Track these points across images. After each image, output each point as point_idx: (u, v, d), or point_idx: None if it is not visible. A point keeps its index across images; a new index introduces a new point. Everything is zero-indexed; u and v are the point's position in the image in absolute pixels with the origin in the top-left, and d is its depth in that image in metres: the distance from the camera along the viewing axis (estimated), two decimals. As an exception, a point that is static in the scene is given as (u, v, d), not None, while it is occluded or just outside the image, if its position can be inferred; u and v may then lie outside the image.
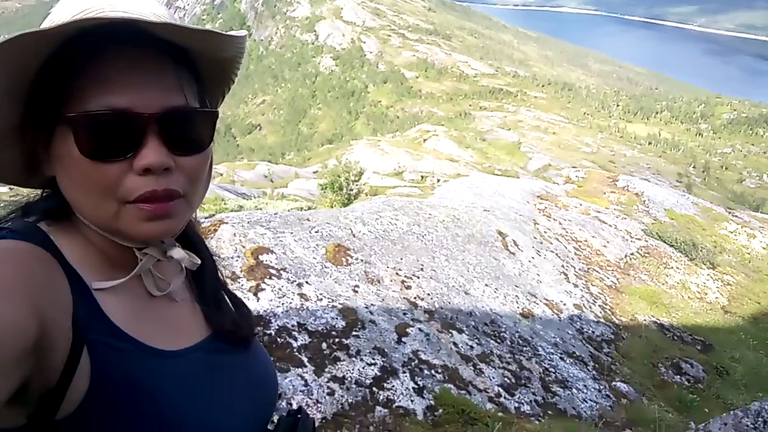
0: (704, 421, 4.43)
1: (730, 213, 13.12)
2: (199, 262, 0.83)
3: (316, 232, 5.10)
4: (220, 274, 0.95)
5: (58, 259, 0.67)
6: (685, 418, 4.67)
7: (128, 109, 0.66)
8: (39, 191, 0.77)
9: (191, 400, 0.74)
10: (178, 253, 0.78)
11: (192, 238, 0.89)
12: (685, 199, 13.55)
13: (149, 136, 0.67)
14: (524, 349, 4.74)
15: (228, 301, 0.95)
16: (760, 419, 3.33)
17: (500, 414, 3.56)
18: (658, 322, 6.68)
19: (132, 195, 0.67)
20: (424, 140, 60.65)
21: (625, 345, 5.82)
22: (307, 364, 3.33)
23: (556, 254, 7.35)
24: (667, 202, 12.21)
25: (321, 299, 4.02)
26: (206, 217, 5.22)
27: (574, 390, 4.39)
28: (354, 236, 5.35)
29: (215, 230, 4.58)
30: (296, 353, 3.37)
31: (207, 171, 0.78)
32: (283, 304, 3.75)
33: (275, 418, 1.00)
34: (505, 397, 3.88)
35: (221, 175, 30.10)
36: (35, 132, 0.70)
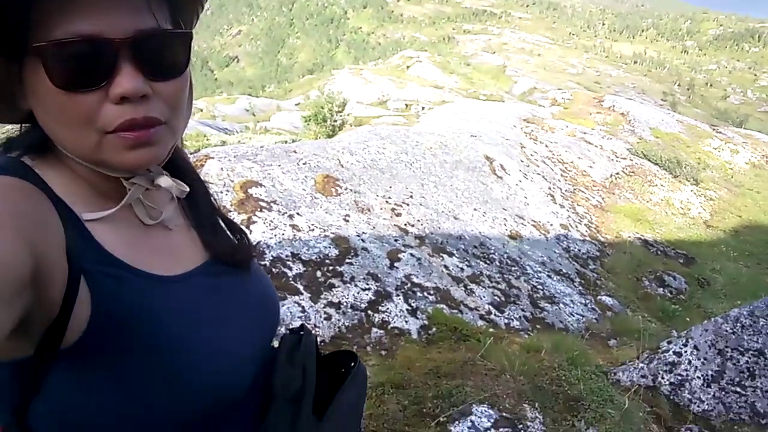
0: (686, 329, 4.65)
1: (713, 129, 13.19)
2: (188, 189, 0.82)
3: (303, 163, 5.09)
4: (213, 200, 0.95)
5: (46, 193, 0.66)
6: (668, 327, 4.89)
7: (97, 35, 0.63)
8: (19, 126, 0.75)
9: (194, 324, 0.74)
10: (165, 181, 0.77)
11: (180, 166, 0.87)
12: (670, 117, 13.57)
13: (122, 63, 0.64)
14: (513, 268, 4.87)
15: (224, 226, 0.94)
16: (738, 324, 3.50)
17: (491, 330, 3.70)
18: (642, 238, 6.85)
19: (111, 125, 0.65)
20: (408, 67, 59.40)
21: (610, 261, 6.00)
22: (303, 291, 3.41)
23: (543, 176, 7.41)
24: (652, 120, 12.22)
25: (313, 229, 4.06)
26: (191, 153, 5.16)
27: (561, 305, 4.55)
28: (342, 166, 5.35)
29: (201, 166, 4.55)
30: (292, 282, 3.44)
31: (187, 96, 0.76)
32: (275, 235, 3.79)
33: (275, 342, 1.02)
34: (495, 314, 4.02)
35: (201, 110, 29.47)
36: (6, 64, 0.67)
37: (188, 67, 0.74)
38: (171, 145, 0.75)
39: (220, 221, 0.94)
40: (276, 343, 1.02)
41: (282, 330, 3.03)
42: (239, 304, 0.85)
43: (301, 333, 0.98)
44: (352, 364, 1.01)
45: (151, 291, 0.71)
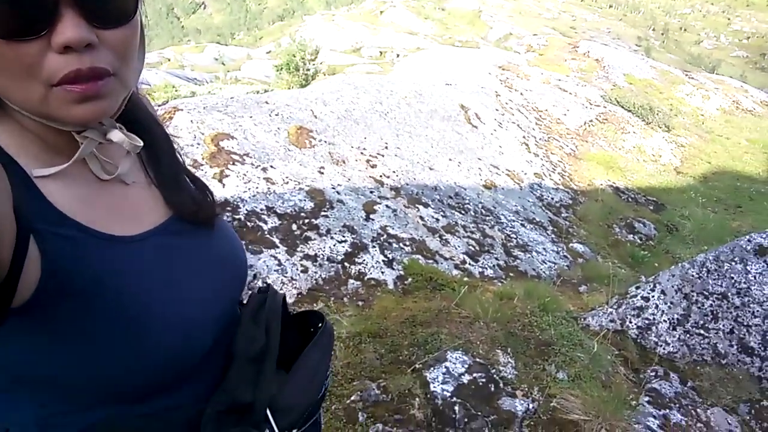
0: (654, 274, 4.79)
1: (686, 75, 13.26)
2: (141, 144, 0.77)
3: (276, 114, 4.99)
4: (178, 155, 0.91)
5: None
6: (637, 273, 5.04)
7: None
8: None
9: (150, 287, 0.72)
10: (117, 135, 0.74)
11: (139, 118, 0.84)
12: (643, 63, 13.58)
13: (64, 9, 0.60)
14: (487, 218, 4.92)
15: (189, 182, 0.91)
16: (704, 269, 3.62)
17: (466, 279, 3.77)
18: (614, 185, 6.96)
19: (56, 76, 0.62)
20: (381, 12, 57.95)
21: (582, 209, 6.10)
22: (279, 245, 3.41)
23: (518, 125, 7.41)
24: (626, 66, 12.22)
25: (287, 182, 4.03)
26: (159, 105, 5.02)
27: (534, 253, 4.65)
28: (316, 117, 5.27)
29: (170, 118, 4.44)
30: (267, 235, 3.44)
31: (138, 45, 0.72)
32: (249, 189, 3.76)
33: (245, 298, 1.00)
34: (469, 264, 4.09)
35: (168, 60, 28.53)
36: None
37: (137, 13, 0.70)
38: (122, 97, 0.71)
39: (185, 177, 0.91)
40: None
41: (259, 284, 3.05)
42: (201, 264, 0.83)
43: (267, 293, 0.97)
44: (320, 324, 1.00)
45: (104, 252, 0.69)
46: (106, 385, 0.72)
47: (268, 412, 0.85)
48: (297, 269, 3.29)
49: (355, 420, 2.49)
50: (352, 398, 2.59)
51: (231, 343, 0.89)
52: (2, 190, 0.59)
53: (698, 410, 2.97)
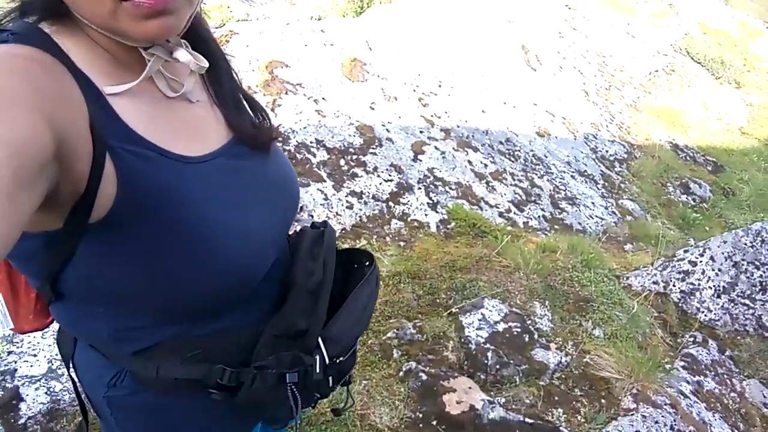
0: (704, 239, 4.65)
1: (767, 26, 12.30)
2: (207, 64, 0.79)
3: (331, 45, 4.90)
4: (236, 77, 0.92)
5: (66, 64, 0.64)
6: (686, 236, 4.90)
7: None
8: None
9: (218, 206, 0.76)
10: (183, 55, 0.74)
11: (202, 38, 0.85)
12: (721, 11, 12.63)
13: None
14: (537, 167, 4.82)
15: (246, 104, 0.93)
16: (758, 238, 3.49)
17: (509, 228, 3.75)
18: (673, 141, 6.67)
19: None
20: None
21: (636, 164, 5.90)
22: (326, 179, 3.43)
23: (579, 71, 7.10)
24: (701, 14, 11.41)
25: (338, 116, 4.01)
26: (216, 28, 4.99)
27: (581, 207, 4.55)
28: (371, 50, 5.15)
29: (227, 42, 4.41)
30: (315, 169, 3.46)
31: None
32: (300, 120, 3.75)
33: (298, 227, 1.05)
34: (514, 213, 4.05)
35: (225, -23, 28.04)
36: None
37: None
38: (188, 14, 0.72)
39: (243, 99, 0.93)
40: (295, 228, 1.06)
41: (305, 217, 3.10)
42: (260, 187, 0.85)
43: (323, 228, 1.01)
44: (367, 263, 1.05)
45: (175, 172, 0.72)
46: (175, 301, 0.77)
47: (320, 340, 0.91)
48: (342, 205, 3.33)
49: (390, 356, 2.57)
50: (388, 335, 2.66)
51: (285, 272, 0.94)
52: (78, 108, 0.61)
53: (734, 380, 2.94)
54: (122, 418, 0.94)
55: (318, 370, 0.91)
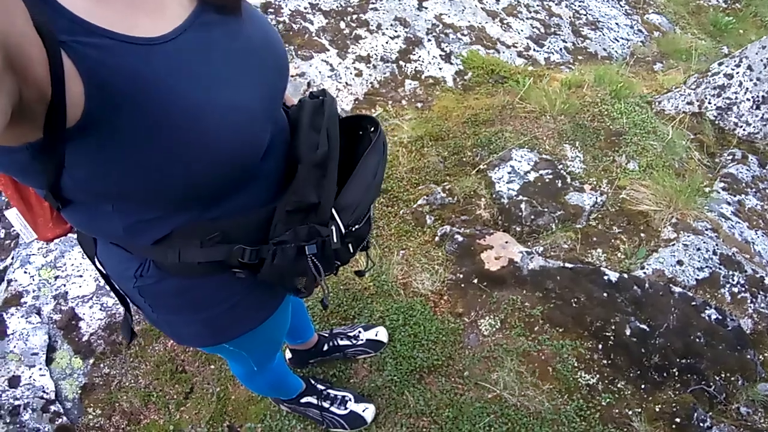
0: (738, 45, 4.33)
1: None
2: None
3: None
4: None
5: None
6: (718, 43, 4.56)
7: None
8: None
9: (192, 85, 0.70)
10: None
11: None
12: None
13: None
14: (553, -7, 4.42)
15: None
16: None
17: (530, 68, 3.52)
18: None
19: None
20: None
21: (662, -29, 5.36)
22: (329, 47, 3.21)
23: None
24: None
25: (329, -28, 3.65)
26: None
27: (605, 30, 4.23)
28: None
29: None
30: (315, 38, 3.23)
31: None
32: (290, -15, 3.44)
33: (295, 100, 1.01)
34: (534, 50, 3.79)
35: None
36: None
37: None
38: None
39: None
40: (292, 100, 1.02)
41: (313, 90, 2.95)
42: (239, 57, 0.79)
43: (322, 97, 0.97)
44: (372, 129, 1.04)
45: (139, 57, 0.65)
46: (177, 190, 0.76)
47: (334, 211, 0.93)
48: (350, 73, 3.14)
49: (424, 223, 2.56)
50: (419, 202, 2.63)
51: (288, 145, 0.94)
52: (15, 6, 0.54)
53: (776, 193, 2.87)
54: (156, 304, 1.01)
55: (335, 240, 0.94)
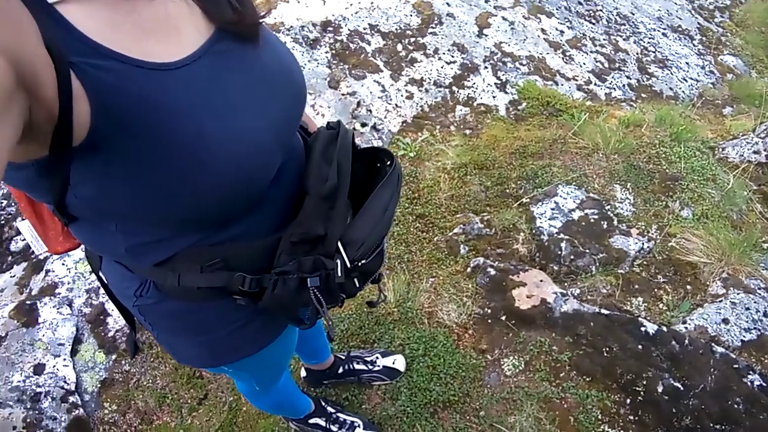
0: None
1: None
2: None
3: None
4: None
5: None
6: (799, 90, 4.30)
7: None
8: None
9: (203, 112, 0.70)
10: None
11: None
12: None
13: None
14: (622, 27, 4.30)
15: None
16: None
17: (588, 103, 3.42)
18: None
19: None
20: None
21: (741, 11, 5.13)
22: (383, 68, 3.23)
23: None
24: None
25: (393, -6, 3.69)
26: None
27: (673, 69, 4.07)
28: None
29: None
30: (371, 58, 3.25)
31: None
32: (351, 5, 3.49)
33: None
34: (595, 84, 3.68)
35: None
36: None
37: None
38: None
39: None
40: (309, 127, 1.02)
41: (363, 112, 2.97)
42: (254, 85, 0.78)
43: (337, 129, 0.97)
44: (389, 162, 1.02)
45: (150, 81, 0.65)
46: (181, 215, 0.76)
47: (340, 244, 0.92)
48: (401, 95, 3.14)
49: (457, 252, 2.51)
50: (455, 231, 2.59)
51: (298, 173, 0.93)
52: (28, 28, 0.54)
53: None
54: (156, 324, 1.02)
55: (340, 274, 0.91)
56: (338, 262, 0.91)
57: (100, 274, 1.03)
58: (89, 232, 0.85)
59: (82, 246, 1.03)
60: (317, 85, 3.03)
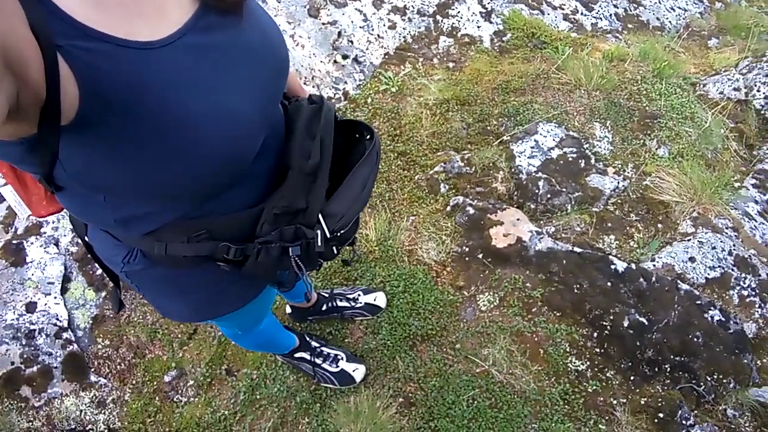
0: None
1: None
2: None
3: None
4: None
5: None
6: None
7: None
8: None
9: (189, 90, 0.71)
10: None
11: None
12: None
13: None
14: (613, -49, 4.15)
15: None
16: None
17: (573, 34, 3.37)
18: None
19: None
20: None
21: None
22: (365, -4, 3.12)
23: None
24: None
25: None
26: None
27: (662, -3, 3.98)
28: None
29: None
30: (353, -15, 3.13)
31: None
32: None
33: (295, 101, 1.01)
34: (582, 13, 3.60)
35: None
36: None
37: None
38: None
39: None
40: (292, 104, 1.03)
41: (344, 43, 2.90)
42: (238, 61, 0.79)
43: (320, 104, 0.98)
44: (368, 137, 1.06)
45: (136, 61, 0.67)
46: (168, 189, 0.79)
47: (320, 216, 0.97)
48: (384, 25, 3.06)
49: (437, 191, 2.55)
50: (435, 169, 2.62)
51: (281, 146, 0.95)
52: (13, 11, 0.55)
53: (810, 196, 2.75)
54: (143, 286, 1.07)
55: (320, 243, 0.97)
56: (318, 232, 0.97)
57: (86, 239, 1.06)
58: (77, 201, 0.86)
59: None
60: (296, 14, 2.93)
